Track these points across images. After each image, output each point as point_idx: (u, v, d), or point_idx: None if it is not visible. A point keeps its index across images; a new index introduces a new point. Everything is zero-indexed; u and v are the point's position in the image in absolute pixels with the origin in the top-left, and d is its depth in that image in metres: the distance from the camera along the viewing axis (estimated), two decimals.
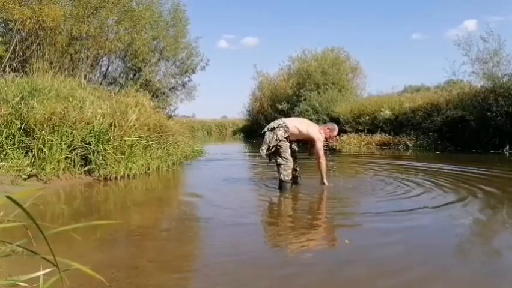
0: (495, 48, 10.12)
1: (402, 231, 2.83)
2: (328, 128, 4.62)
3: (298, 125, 4.50)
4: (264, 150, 4.43)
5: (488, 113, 9.56)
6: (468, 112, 10.19)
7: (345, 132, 14.13)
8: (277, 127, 4.41)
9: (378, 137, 12.41)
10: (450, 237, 2.75)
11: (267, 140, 4.42)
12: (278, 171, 4.43)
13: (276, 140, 4.36)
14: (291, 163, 4.40)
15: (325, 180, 4.58)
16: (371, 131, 13.08)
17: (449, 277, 2.00)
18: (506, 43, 10.08)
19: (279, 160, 4.39)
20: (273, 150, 4.43)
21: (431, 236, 2.77)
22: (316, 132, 4.48)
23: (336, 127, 4.72)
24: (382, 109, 13.68)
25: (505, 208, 3.50)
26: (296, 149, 4.65)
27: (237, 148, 14.63)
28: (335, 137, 4.79)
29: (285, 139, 4.38)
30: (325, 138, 4.59)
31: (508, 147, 9.17)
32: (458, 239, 2.73)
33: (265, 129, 4.53)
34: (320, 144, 4.43)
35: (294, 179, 4.58)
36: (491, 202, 3.80)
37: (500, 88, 9.73)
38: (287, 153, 4.39)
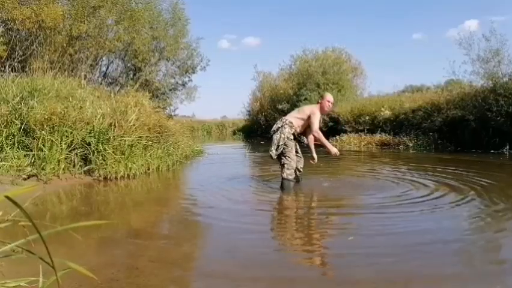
0: (497, 48, 10.11)
1: (400, 228, 2.83)
2: (321, 102, 4.54)
3: (297, 113, 4.55)
4: (273, 151, 4.41)
5: (488, 113, 9.55)
6: (468, 112, 10.18)
7: (345, 132, 14.14)
8: (282, 126, 4.41)
9: (378, 136, 12.41)
10: None
11: (275, 141, 4.40)
12: (282, 170, 4.44)
13: (284, 138, 4.37)
14: (294, 163, 4.42)
15: (329, 146, 4.46)
16: (371, 131, 13.08)
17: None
18: (507, 43, 10.08)
19: (283, 159, 4.40)
20: (281, 150, 4.42)
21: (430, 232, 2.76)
22: (310, 108, 4.53)
23: (327, 94, 4.69)
24: (382, 109, 13.68)
25: None
26: (307, 142, 4.64)
27: (237, 148, 14.62)
28: (331, 102, 4.61)
29: (292, 136, 4.41)
30: (325, 110, 4.55)
31: (508, 147, 9.16)
32: None
33: (271, 133, 4.53)
34: (314, 118, 4.39)
35: (297, 178, 4.58)
36: None
37: (500, 88, 9.72)
38: (292, 153, 4.41)
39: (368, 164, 7.59)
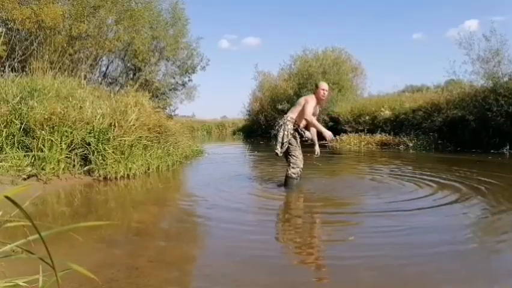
0: (497, 48, 10.10)
1: (404, 229, 2.82)
2: (316, 91, 4.52)
3: (294, 108, 4.53)
4: (278, 148, 4.41)
5: (489, 113, 9.55)
6: (468, 112, 10.18)
7: (345, 132, 14.14)
8: (284, 123, 4.42)
9: (378, 136, 12.41)
10: None
11: (279, 139, 4.40)
12: (288, 168, 4.45)
13: (288, 135, 4.38)
14: (300, 162, 4.44)
15: (323, 130, 4.42)
16: (371, 131, 13.08)
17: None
18: (508, 43, 10.07)
19: (290, 158, 4.43)
20: (286, 147, 4.42)
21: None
22: (305, 98, 4.52)
23: (321, 82, 4.64)
24: (382, 109, 13.68)
25: None
26: (310, 136, 4.62)
27: (237, 147, 14.61)
28: (325, 90, 4.55)
29: (295, 132, 4.41)
30: (320, 98, 4.49)
31: (508, 147, 9.16)
32: None
33: (274, 131, 4.53)
34: (307, 105, 4.38)
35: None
36: None
37: (500, 88, 9.72)
38: (297, 152, 4.44)
39: (370, 164, 7.58)
